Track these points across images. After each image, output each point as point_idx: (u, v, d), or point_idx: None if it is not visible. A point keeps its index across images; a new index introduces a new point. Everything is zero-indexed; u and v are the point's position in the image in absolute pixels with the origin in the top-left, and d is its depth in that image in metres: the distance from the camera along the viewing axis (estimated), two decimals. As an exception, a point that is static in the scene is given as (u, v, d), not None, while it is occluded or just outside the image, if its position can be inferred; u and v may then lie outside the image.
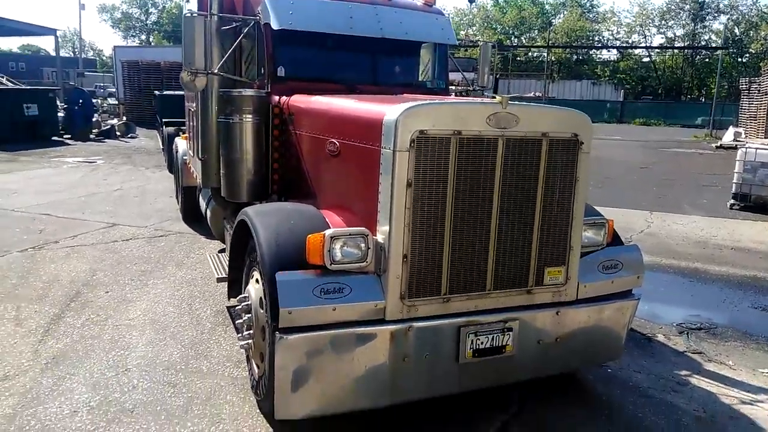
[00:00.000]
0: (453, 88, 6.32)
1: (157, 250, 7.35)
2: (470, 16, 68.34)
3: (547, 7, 64.79)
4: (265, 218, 3.46)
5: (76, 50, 68.68)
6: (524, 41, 61.65)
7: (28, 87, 22.15)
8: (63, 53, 58.92)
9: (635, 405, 4.01)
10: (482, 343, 3.35)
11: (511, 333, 3.41)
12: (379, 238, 3.18)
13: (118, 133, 21.60)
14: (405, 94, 4.53)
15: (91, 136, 20.76)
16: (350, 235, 3.14)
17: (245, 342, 3.60)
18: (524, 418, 3.79)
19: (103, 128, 21.58)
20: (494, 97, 3.29)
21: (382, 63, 5.29)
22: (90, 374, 4.12)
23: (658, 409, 3.97)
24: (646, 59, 60.00)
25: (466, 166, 3.16)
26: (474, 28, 67.98)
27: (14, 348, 4.51)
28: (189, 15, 4.62)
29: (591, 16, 62.67)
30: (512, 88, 43.98)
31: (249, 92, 4.65)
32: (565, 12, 63.01)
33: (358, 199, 3.48)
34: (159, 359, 4.38)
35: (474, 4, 57.30)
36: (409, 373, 3.25)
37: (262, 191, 4.75)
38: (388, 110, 3.14)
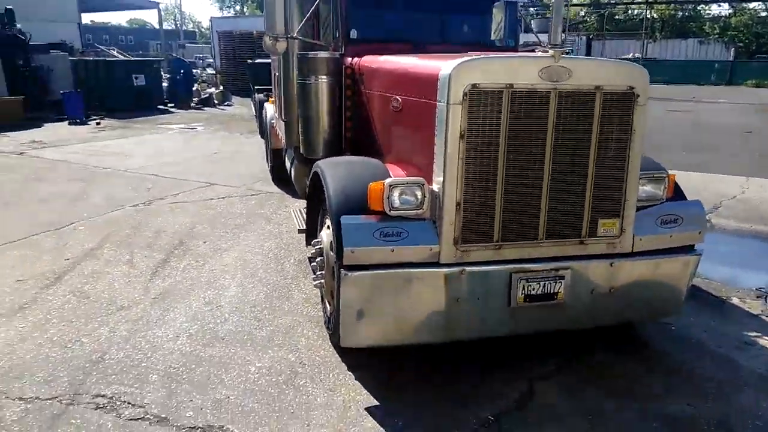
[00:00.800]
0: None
1: (249, 207, 8.01)
2: (565, -26, 64.85)
3: (651, -40, 60.14)
4: (334, 169, 3.83)
5: (177, 23, 72.37)
6: (624, -2, 57.93)
7: (136, 58, 23.87)
8: (166, 26, 62.39)
9: (695, 360, 4.07)
10: (534, 289, 3.55)
11: (562, 281, 3.59)
12: (435, 187, 3.45)
13: (215, 102, 22.90)
14: (468, 52, 4.70)
15: (192, 104, 22.17)
16: (407, 183, 3.44)
17: (318, 282, 4.03)
18: (579, 366, 3.98)
19: (203, 97, 22.94)
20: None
21: (451, 22, 5.45)
22: (189, 308, 4.75)
23: (719, 364, 4.02)
24: (764, 13, 54.51)
25: (518, 118, 3.32)
26: (569, -15, 64.53)
27: (128, 285, 5.25)
28: None
29: (701, -33, 57.54)
30: (608, 49, 41.64)
31: (323, 54, 5.00)
32: (672, -36, 58.23)
33: (417, 151, 3.76)
34: (247, 299, 4.95)
35: None
36: (462, 314, 3.53)
37: (336, 148, 5.12)
38: (443, 66, 3.36)
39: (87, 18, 61.91)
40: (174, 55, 30.41)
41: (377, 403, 3.47)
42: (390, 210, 3.43)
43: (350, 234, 3.36)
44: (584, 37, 28.62)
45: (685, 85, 36.67)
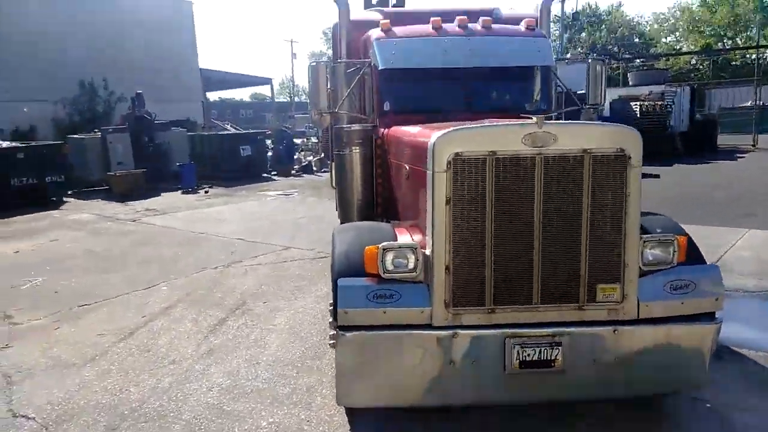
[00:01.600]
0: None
1: (316, 269, 8.47)
2: (672, 21, 62.49)
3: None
4: (343, 234, 4.10)
5: (291, 95, 78.25)
6: (740, 42, 54.32)
7: (244, 132, 26.14)
8: (282, 98, 67.84)
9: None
10: (529, 355, 3.51)
11: (560, 348, 3.52)
12: (427, 250, 3.60)
13: (314, 169, 24.34)
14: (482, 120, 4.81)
15: (293, 171, 23.71)
16: (400, 247, 3.61)
17: (330, 342, 4.23)
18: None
19: (303, 164, 24.51)
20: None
21: (478, 90, 5.60)
22: (230, 364, 5.15)
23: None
24: None
25: (504, 184, 3.42)
26: (677, 33, 61.88)
27: (187, 341, 5.79)
28: (313, 64, 5.55)
29: (829, 3, 52.88)
30: (720, 97, 39.03)
31: (356, 127, 5.40)
32: (792, 2, 54.19)
33: (420, 216, 3.94)
34: (284, 357, 5.27)
35: (578, 20, 51.28)
36: (456, 378, 3.56)
37: (369, 213, 5.42)
38: (432, 136, 3.57)
39: (215, 95, 68.92)
40: (285, 126, 32.82)
41: (368, 464, 3.57)
42: (384, 273, 3.59)
43: (345, 295, 3.57)
44: (687, 87, 27.13)
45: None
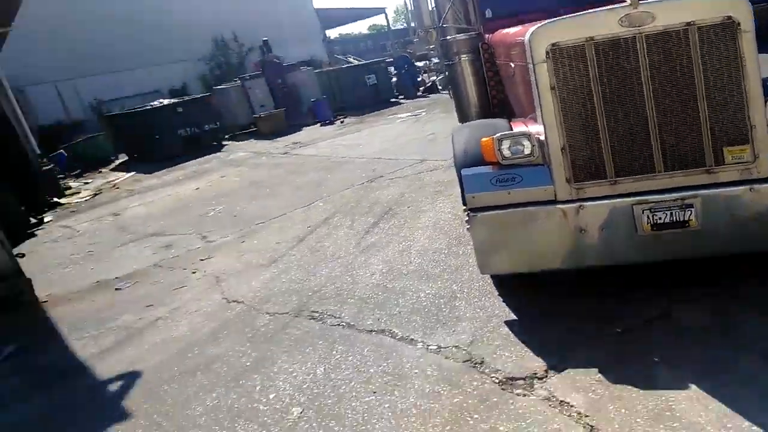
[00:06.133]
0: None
1: (450, 176, 8.96)
2: None
3: None
4: (460, 133, 4.55)
5: (409, 21, 76.99)
6: None
7: (366, 62, 26.77)
8: (399, 25, 67.24)
9: None
10: (660, 218, 3.73)
11: (692, 209, 3.66)
12: (542, 136, 3.93)
13: (440, 87, 24.43)
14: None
15: (418, 93, 24.08)
16: (514, 136, 3.96)
17: (466, 226, 4.78)
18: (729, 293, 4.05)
19: (427, 85, 24.74)
20: None
21: None
22: (386, 255, 5.99)
23: None
24: None
25: (607, 65, 3.62)
26: None
27: (347, 241, 6.74)
28: None
29: None
30: None
31: (460, 37, 5.71)
32: None
33: (529, 107, 4.27)
34: (431, 247, 5.99)
35: None
36: (588, 243, 3.89)
37: (486, 113, 5.78)
38: (528, 31, 3.84)
39: (335, 32, 69.83)
40: (407, 51, 32.96)
41: (516, 318, 4.18)
42: (502, 160, 3.98)
43: (469, 183, 4.04)
44: None
45: None
